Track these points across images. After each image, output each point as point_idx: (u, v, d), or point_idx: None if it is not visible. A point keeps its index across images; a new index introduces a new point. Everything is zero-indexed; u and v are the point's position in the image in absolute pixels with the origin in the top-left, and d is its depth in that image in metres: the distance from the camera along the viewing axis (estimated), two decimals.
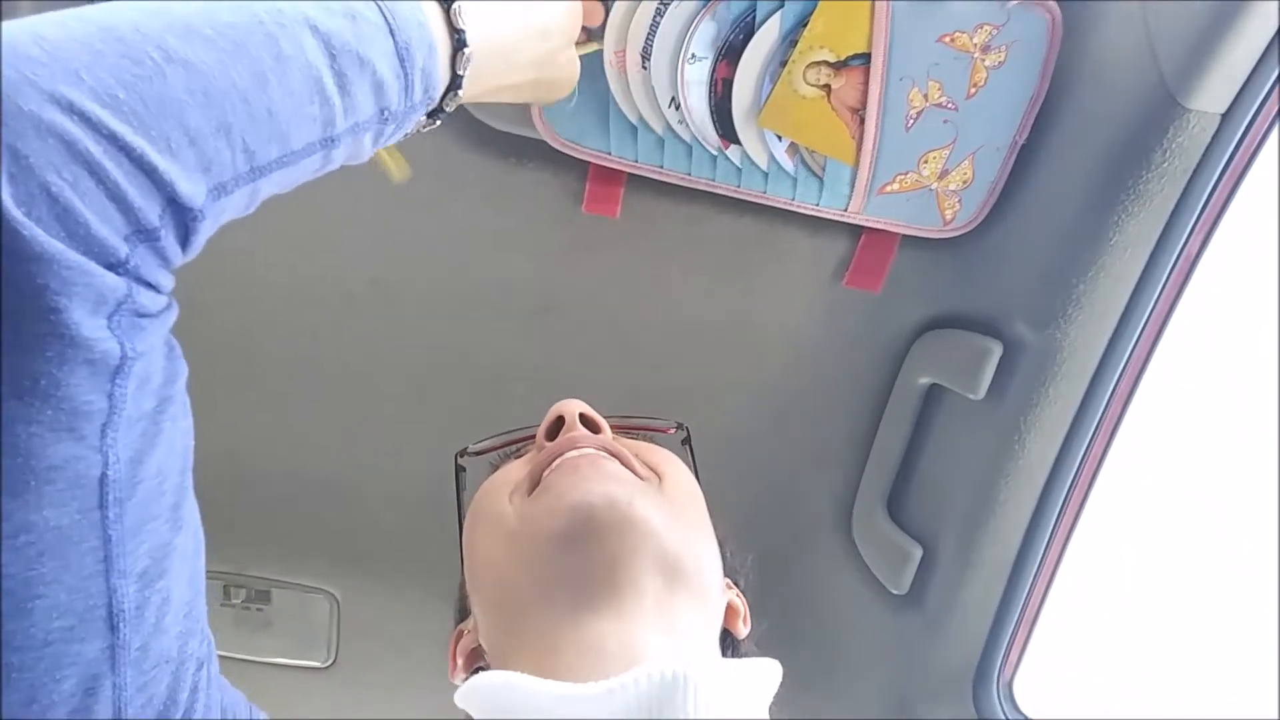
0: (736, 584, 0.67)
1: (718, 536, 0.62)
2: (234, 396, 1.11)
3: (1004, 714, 0.99)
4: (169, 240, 0.39)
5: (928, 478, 1.02)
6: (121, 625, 0.39)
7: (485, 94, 0.60)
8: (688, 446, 0.74)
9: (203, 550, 0.45)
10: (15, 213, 0.34)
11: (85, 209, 0.36)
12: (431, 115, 0.54)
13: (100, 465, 0.38)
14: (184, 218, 0.39)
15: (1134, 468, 0.96)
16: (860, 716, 1.11)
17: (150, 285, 0.40)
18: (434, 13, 0.50)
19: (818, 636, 1.16)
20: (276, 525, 1.19)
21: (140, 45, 0.38)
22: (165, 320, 0.41)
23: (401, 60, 0.47)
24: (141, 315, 0.39)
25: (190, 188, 0.39)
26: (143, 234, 0.38)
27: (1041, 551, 0.92)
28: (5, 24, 0.36)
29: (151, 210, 0.38)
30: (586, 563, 0.53)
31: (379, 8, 0.46)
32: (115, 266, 0.37)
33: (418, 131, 0.54)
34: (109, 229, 0.37)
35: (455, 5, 0.51)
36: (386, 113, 0.48)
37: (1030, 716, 0.99)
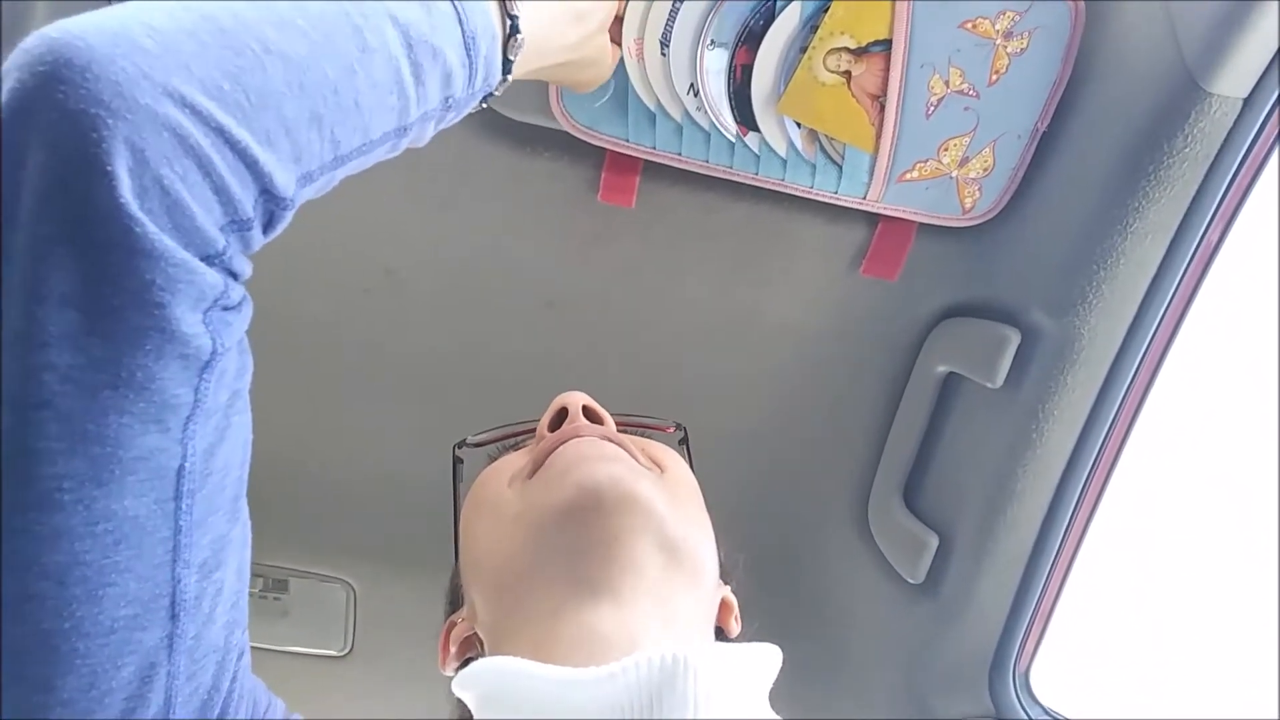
0: (729, 585, 0.68)
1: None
2: (250, 388, 1.11)
3: (1020, 704, 0.98)
4: (257, 229, 0.41)
5: (944, 467, 1.02)
6: (182, 615, 0.40)
7: (521, 76, 0.60)
8: (685, 446, 0.74)
9: (250, 542, 0.46)
10: (133, 208, 0.35)
11: (193, 201, 0.37)
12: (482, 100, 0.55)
13: (179, 457, 0.39)
14: (274, 206, 0.41)
15: (1153, 457, 0.96)
16: (875, 706, 1.11)
17: (235, 275, 0.41)
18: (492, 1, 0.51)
19: (833, 625, 1.16)
20: (294, 515, 1.19)
21: (241, 36, 0.38)
22: (245, 315, 0.42)
23: (468, 49, 0.48)
24: (228, 309, 0.40)
25: (284, 178, 0.40)
26: (237, 224, 0.39)
27: (1059, 541, 0.92)
28: (114, 10, 0.36)
29: (248, 200, 0.39)
30: (587, 539, 0.53)
31: None
32: (212, 258, 0.38)
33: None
34: (210, 220, 0.38)
35: None
36: (450, 100, 0.49)
37: (1046, 707, 0.99)
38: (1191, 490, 1.15)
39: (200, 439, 0.39)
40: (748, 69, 0.78)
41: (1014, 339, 0.88)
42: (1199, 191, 0.76)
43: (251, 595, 1.23)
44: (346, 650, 1.29)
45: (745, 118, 0.80)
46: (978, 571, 0.95)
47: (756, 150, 0.82)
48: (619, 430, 0.64)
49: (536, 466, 0.59)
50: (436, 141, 0.89)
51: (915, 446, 1.03)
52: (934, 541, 0.98)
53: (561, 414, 0.63)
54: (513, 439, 0.72)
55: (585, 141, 0.84)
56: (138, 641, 0.39)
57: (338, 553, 1.23)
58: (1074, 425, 0.87)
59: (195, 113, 0.36)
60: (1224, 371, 1.06)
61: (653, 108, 0.81)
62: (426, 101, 0.47)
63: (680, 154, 0.83)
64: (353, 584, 1.25)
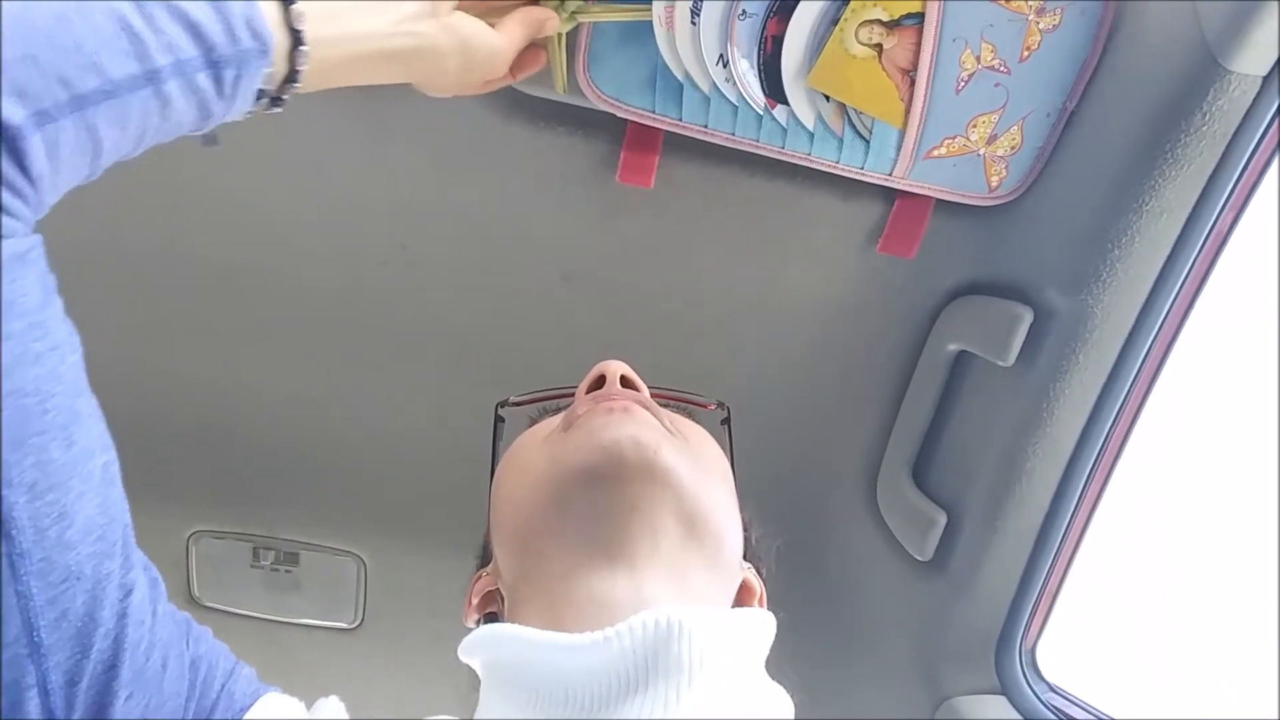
0: (759, 571, 0.67)
1: (744, 519, 0.63)
2: (263, 361, 1.11)
3: (1026, 680, 0.99)
4: (9, 166, 0.42)
5: (954, 445, 1.03)
6: (15, 533, 0.41)
7: (348, 65, 0.61)
8: (726, 426, 0.74)
9: (118, 482, 0.46)
10: None
11: None
12: (290, 80, 0.56)
13: None
14: (10, 139, 0.41)
15: (1164, 437, 0.96)
16: (881, 681, 1.12)
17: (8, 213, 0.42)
18: None
19: (841, 602, 1.16)
20: (305, 489, 1.19)
21: None
22: (31, 246, 0.44)
23: (216, 8, 0.49)
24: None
25: (9, 109, 0.41)
26: None
27: (1067, 520, 0.92)
28: None
29: None
30: (606, 503, 0.53)
31: None
32: None
33: (278, 95, 0.56)
34: None
35: None
36: (214, 54, 0.49)
37: (1052, 683, 1.00)
38: (1201, 471, 1.16)
39: None
40: (778, 40, 0.78)
41: (1027, 317, 0.89)
42: (1215, 170, 0.76)
43: (263, 568, 1.24)
44: (357, 623, 1.30)
45: (774, 90, 0.80)
46: (985, 549, 0.96)
47: (784, 123, 0.82)
48: (657, 402, 0.64)
49: (569, 425, 0.59)
50: (452, 116, 0.89)
51: (925, 424, 1.04)
52: (942, 519, 0.99)
53: (600, 381, 0.63)
54: (553, 401, 0.72)
55: (603, 117, 0.83)
56: None
57: (348, 526, 1.23)
58: (1085, 404, 0.88)
59: None
60: (1237, 352, 1.06)
61: (681, 78, 0.81)
62: (174, 50, 0.47)
63: (707, 126, 0.83)
64: (363, 557, 1.25)
